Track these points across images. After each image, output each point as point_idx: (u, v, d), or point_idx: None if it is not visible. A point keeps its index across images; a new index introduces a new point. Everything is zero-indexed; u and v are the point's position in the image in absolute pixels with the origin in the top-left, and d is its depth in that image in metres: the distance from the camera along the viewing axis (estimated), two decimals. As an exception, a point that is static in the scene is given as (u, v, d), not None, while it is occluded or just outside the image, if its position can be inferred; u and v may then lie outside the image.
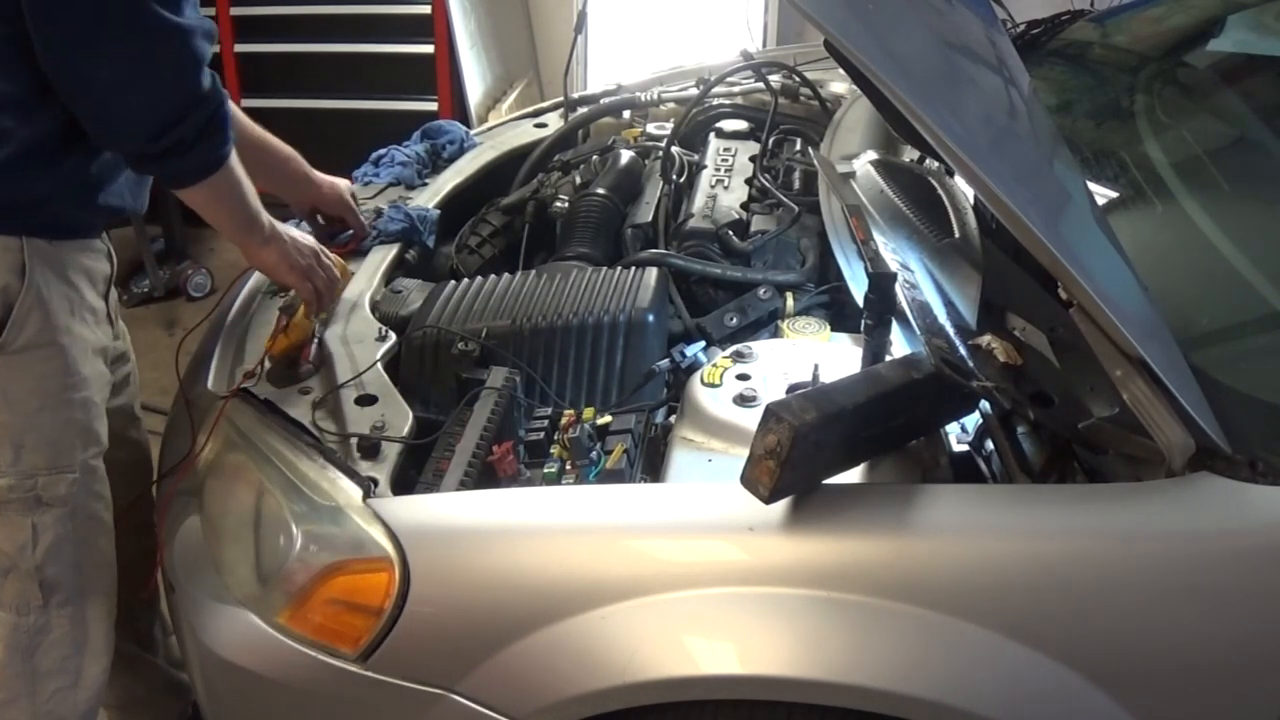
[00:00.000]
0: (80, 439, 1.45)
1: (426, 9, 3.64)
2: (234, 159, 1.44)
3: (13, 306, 1.36)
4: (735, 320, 1.69)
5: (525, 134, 2.32)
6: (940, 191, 1.67)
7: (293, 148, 1.81)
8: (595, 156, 2.15)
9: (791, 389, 1.44)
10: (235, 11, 3.74)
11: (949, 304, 1.39)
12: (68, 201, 1.41)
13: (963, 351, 1.26)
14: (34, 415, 1.40)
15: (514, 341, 1.57)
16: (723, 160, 2.09)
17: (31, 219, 1.38)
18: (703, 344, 1.62)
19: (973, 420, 1.39)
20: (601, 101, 2.39)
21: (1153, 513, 1.15)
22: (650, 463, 1.44)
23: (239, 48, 3.77)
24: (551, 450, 1.42)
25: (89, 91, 1.31)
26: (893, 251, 1.49)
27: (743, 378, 1.48)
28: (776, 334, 1.65)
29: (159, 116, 1.33)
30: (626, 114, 2.40)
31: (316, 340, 1.57)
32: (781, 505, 1.17)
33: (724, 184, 2.00)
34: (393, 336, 1.60)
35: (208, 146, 1.39)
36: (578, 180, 2.07)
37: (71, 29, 1.27)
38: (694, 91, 2.29)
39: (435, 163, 2.15)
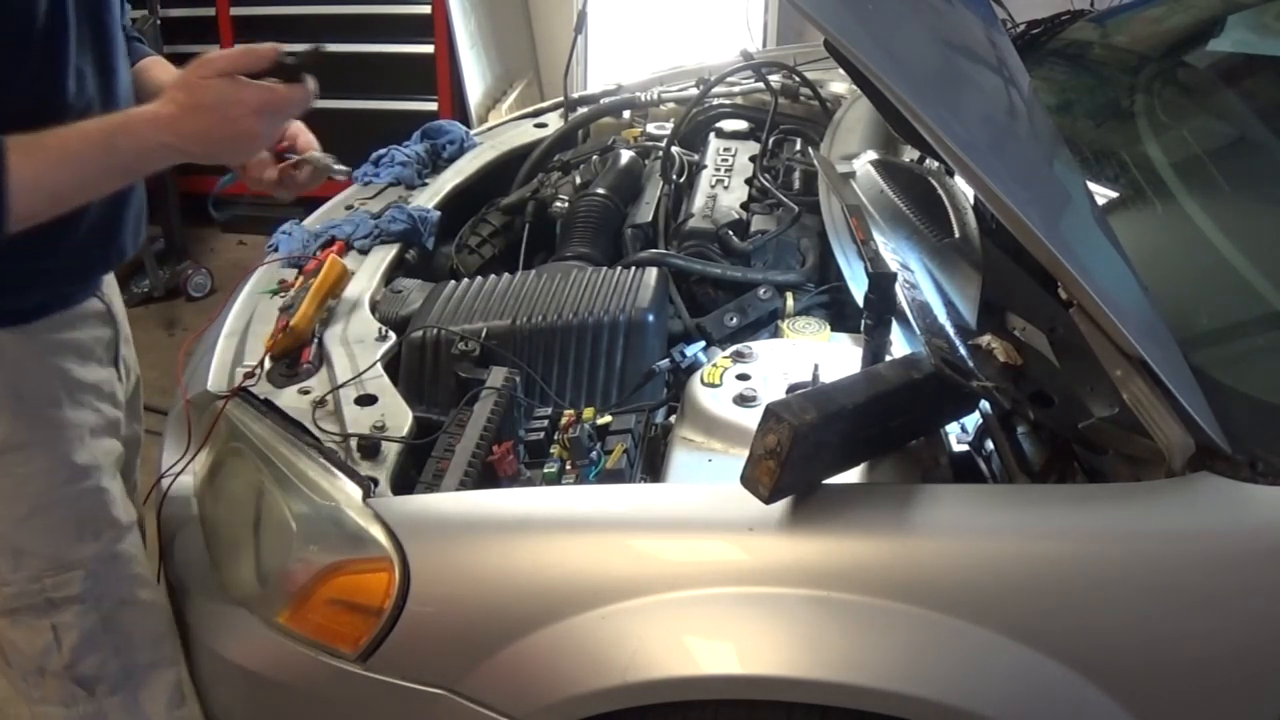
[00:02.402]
0: (88, 531, 1.33)
1: (426, 9, 3.64)
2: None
3: None
4: (735, 320, 1.69)
5: (525, 134, 2.32)
6: (940, 191, 1.67)
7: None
8: (595, 156, 2.15)
9: (791, 389, 1.44)
10: (235, 11, 3.75)
11: (949, 304, 1.39)
12: (15, 289, 1.23)
13: (963, 351, 1.26)
14: (24, 521, 1.29)
15: (514, 341, 1.57)
16: (723, 160, 2.09)
17: None
18: (703, 344, 1.62)
19: (973, 420, 1.39)
20: (601, 101, 2.39)
21: (1153, 513, 1.15)
22: (650, 463, 1.44)
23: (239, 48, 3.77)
24: (551, 450, 1.42)
25: None
26: (893, 251, 1.49)
27: (743, 378, 1.48)
28: (776, 334, 1.65)
29: None
30: (626, 114, 2.40)
31: (316, 340, 1.57)
32: (781, 505, 1.17)
33: (724, 184, 2.00)
34: (393, 336, 1.60)
35: None
36: (578, 180, 2.07)
37: None
38: (694, 91, 2.29)
39: (435, 163, 2.15)
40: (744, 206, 1.94)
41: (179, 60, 1.28)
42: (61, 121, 1.14)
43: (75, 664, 1.35)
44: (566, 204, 2.01)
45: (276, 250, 1.84)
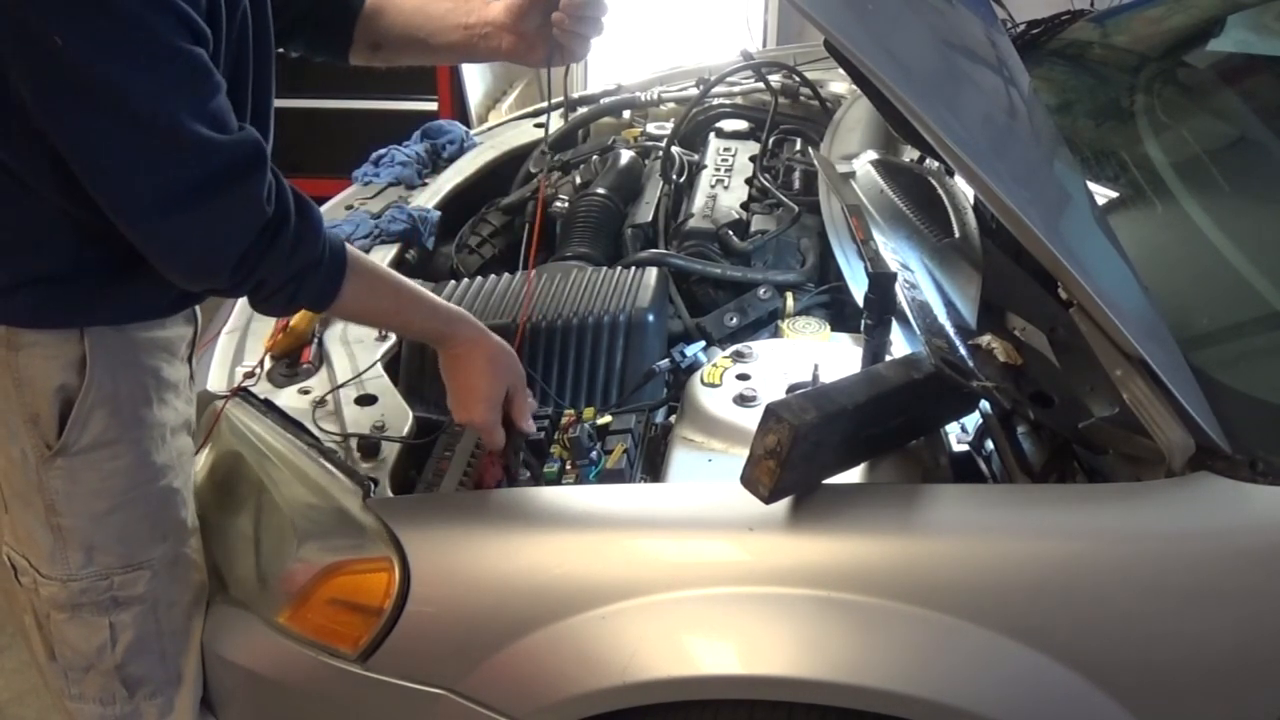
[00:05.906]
0: (158, 532, 1.32)
1: (426, 9, 3.63)
2: (356, 264, 1.24)
3: (73, 405, 1.22)
4: (735, 320, 1.69)
5: (525, 134, 2.32)
6: (940, 191, 1.67)
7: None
8: (595, 156, 2.15)
9: (791, 389, 1.44)
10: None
11: (949, 304, 1.39)
12: (132, 289, 1.24)
13: (963, 351, 1.26)
14: (103, 517, 1.28)
15: (513, 341, 1.57)
16: (723, 160, 2.09)
17: (92, 310, 1.22)
18: (703, 344, 1.62)
19: (973, 420, 1.39)
20: (601, 101, 2.39)
21: (1153, 513, 1.15)
22: (650, 463, 1.44)
23: (239, 48, 3.77)
24: (551, 450, 1.42)
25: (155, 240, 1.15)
26: (893, 251, 1.49)
27: (743, 378, 1.48)
28: (776, 334, 1.65)
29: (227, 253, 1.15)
30: (626, 114, 2.40)
31: (316, 340, 1.57)
32: (781, 505, 1.17)
33: (724, 184, 2.00)
34: (393, 336, 1.60)
35: (300, 266, 1.18)
36: (578, 180, 2.07)
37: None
38: (694, 91, 2.29)
39: (435, 163, 2.15)
40: (744, 206, 1.94)
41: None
42: None
43: (126, 664, 1.34)
44: (566, 204, 2.01)
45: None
